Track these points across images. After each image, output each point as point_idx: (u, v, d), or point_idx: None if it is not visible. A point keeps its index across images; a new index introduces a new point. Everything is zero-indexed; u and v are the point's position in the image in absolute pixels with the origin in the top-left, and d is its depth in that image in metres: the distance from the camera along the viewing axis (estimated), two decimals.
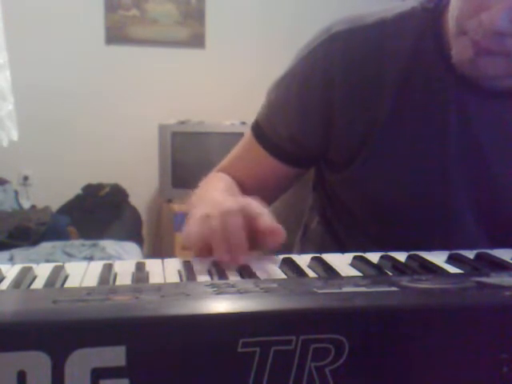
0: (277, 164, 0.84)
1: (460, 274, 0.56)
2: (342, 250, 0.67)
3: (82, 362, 0.34)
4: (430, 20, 0.76)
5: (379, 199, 0.81)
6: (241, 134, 0.95)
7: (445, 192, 0.78)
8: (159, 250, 3.37)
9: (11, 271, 0.55)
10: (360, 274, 0.56)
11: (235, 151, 0.90)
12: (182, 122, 3.27)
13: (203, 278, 0.54)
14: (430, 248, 0.65)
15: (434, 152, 0.77)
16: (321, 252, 0.63)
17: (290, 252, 0.97)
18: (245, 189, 0.84)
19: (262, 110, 0.86)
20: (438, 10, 0.75)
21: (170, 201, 3.13)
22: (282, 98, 0.83)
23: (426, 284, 0.44)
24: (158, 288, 0.44)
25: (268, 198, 0.90)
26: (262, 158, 0.85)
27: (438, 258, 0.61)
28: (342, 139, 0.80)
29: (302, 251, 0.95)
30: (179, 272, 0.57)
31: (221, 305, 0.38)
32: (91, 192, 3.27)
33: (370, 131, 0.77)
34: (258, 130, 0.86)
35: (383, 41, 0.77)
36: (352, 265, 0.60)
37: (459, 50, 0.71)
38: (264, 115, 0.85)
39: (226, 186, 0.81)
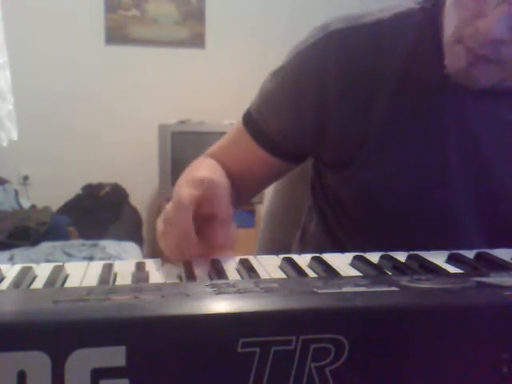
0: (266, 156, 0.83)
1: (460, 273, 0.55)
2: (341, 251, 0.67)
3: (82, 362, 0.34)
4: (428, 20, 0.76)
5: (378, 201, 0.81)
6: None
7: (444, 193, 0.78)
8: (159, 250, 3.37)
9: (11, 271, 0.55)
10: (360, 274, 0.56)
11: (225, 139, 0.89)
12: (182, 122, 3.27)
13: (203, 278, 0.54)
14: (429, 249, 0.65)
15: (432, 152, 0.77)
16: (320, 252, 0.63)
17: (289, 251, 0.96)
18: (232, 177, 0.83)
19: (255, 102, 0.85)
20: (436, 10, 0.75)
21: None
22: (275, 92, 0.82)
23: (425, 284, 0.44)
24: (158, 288, 0.44)
25: (254, 188, 0.91)
26: (251, 149, 0.84)
27: (438, 258, 0.61)
28: (338, 140, 0.79)
29: (301, 252, 0.94)
30: (179, 272, 0.57)
31: (221, 305, 0.38)
32: (91, 192, 3.28)
33: (367, 132, 0.77)
34: (250, 120, 0.85)
35: (380, 40, 0.76)
36: (352, 265, 0.60)
37: (452, 60, 0.70)
38: (256, 107, 0.84)
39: (211, 168, 0.81)
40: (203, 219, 0.65)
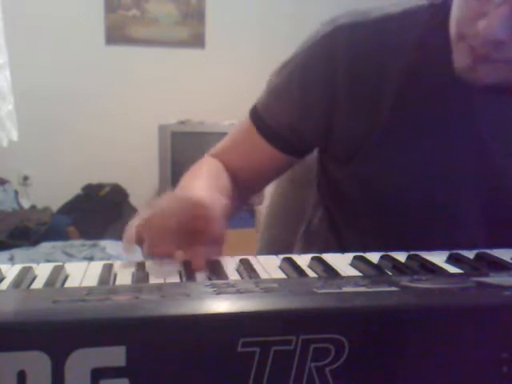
0: (273, 152, 0.84)
1: (460, 273, 0.56)
2: (343, 246, 0.66)
3: (82, 362, 0.34)
4: (437, 16, 0.75)
5: (381, 195, 0.81)
6: None
7: (447, 188, 0.78)
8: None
9: (11, 271, 0.55)
10: (360, 274, 0.56)
11: (231, 136, 0.90)
12: (182, 122, 3.27)
13: (203, 278, 0.54)
14: (429, 244, 0.65)
15: (436, 148, 0.77)
16: (321, 251, 0.63)
17: (291, 251, 0.97)
18: (236, 175, 0.84)
19: (263, 97, 0.85)
20: (446, 7, 0.75)
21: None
22: (283, 86, 0.82)
23: (425, 284, 0.44)
24: (158, 288, 0.44)
25: (258, 184, 0.91)
26: (259, 145, 0.84)
27: (438, 257, 0.61)
28: (344, 133, 0.80)
29: (304, 247, 0.95)
30: (179, 272, 0.57)
31: (221, 305, 0.38)
32: (91, 192, 3.27)
33: (372, 126, 0.77)
34: (257, 116, 0.85)
35: (387, 36, 0.76)
36: (352, 265, 0.60)
37: (459, 57, 0.70)
38: (264, 102, 0.85)
39: (209, 175, 0.81)
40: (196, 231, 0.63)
